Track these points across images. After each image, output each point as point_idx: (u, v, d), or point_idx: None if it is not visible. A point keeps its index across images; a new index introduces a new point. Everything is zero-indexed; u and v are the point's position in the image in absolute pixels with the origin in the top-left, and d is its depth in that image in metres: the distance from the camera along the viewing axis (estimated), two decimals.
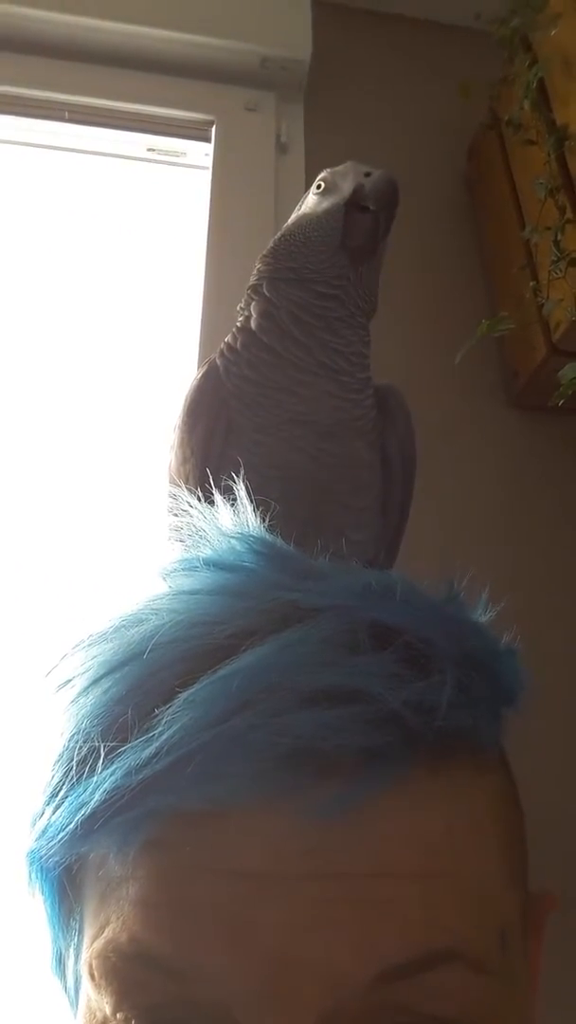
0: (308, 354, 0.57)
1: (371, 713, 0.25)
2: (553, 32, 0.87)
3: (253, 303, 0.60)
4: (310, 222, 0.61)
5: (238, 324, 0.61)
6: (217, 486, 0.37)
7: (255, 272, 0.62)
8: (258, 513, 0.34)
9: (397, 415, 0.62)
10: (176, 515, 0.35)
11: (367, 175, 0.59)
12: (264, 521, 0.34)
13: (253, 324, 0.59)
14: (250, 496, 0.35)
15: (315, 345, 0.57)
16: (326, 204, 0.60)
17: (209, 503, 0.35)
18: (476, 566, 0.82)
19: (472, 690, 0.28)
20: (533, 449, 0.97)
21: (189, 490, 0.36)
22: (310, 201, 0.63)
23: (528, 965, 0.30)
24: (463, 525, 0.88)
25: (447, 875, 0.26)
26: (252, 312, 0.60)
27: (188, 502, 0.35)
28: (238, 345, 0.60)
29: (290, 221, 0.64)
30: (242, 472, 0.55)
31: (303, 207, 0.64)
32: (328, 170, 0.63)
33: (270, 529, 0.34)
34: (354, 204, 0.59)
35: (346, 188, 0.60)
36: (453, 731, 0.26)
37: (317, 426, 0.56)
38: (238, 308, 0.62)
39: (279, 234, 0.63)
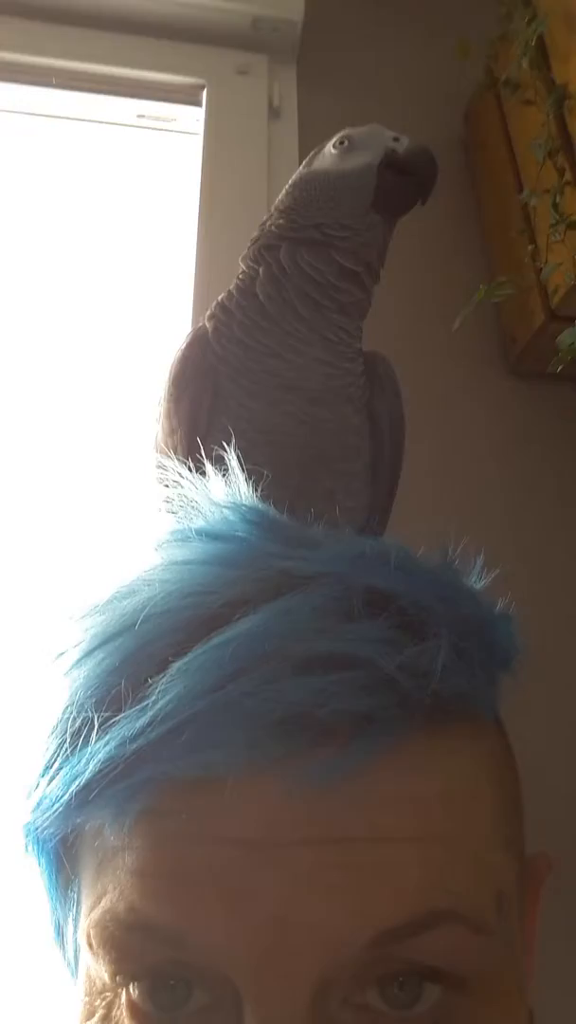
0: (310, 329, 0.57)
1: (366, 678, 0.25)
2: None
3: (262, 265, 0.58)
4: (338, 179, 0.59)
5: (239, 279, 0.60)
6: (207, 456, 0.37)
7: (271, 225, 0.60)
8: (249, 480, 0.34)
9: (385, 381, 0.62)
10: (166, 486, 0.35)
11: (396, 139, 0.59)
12: (255, 488, 0.34)
13: (257, 287, 0.58)
14: (240, 463, 0.35)
15: (319, 321, 0.57)
16: (354, 163, 0.59)
17: (200, 474, 0.35)
18: (472, 533, 0.82)
19: (467, 654, 0.28)
20: (530, 416, 0.96)
21: (179, 461, 0.35)
22: (330, 158, 0.61)
23: (524, 928, 0.31)
24: (459, 492, 0.88)
25: (443, 838, 0.26)
26: (259, 273, 0.58)
27: (178, 473, 0.35)
28: (233, 305, 0.59)
29: (306, 175, 0.61)
30: (232, 440, 0.55)
31: (320, 162, 0.61)
32: (350, 128, 0.61)
33: (261, 497, 0.33)
34: (390, 167, 0.58)
35: (377, 149, 0.58)
36: (449, 695, 0.27)
37: (307, 392, 0.56)
38: (241, 259, 0.61)
39: (297, 187, 0.60)
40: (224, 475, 0.35)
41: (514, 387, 0.97)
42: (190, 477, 0.35)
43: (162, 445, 0.60)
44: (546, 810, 0.58)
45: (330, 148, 0.61)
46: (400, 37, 1.17)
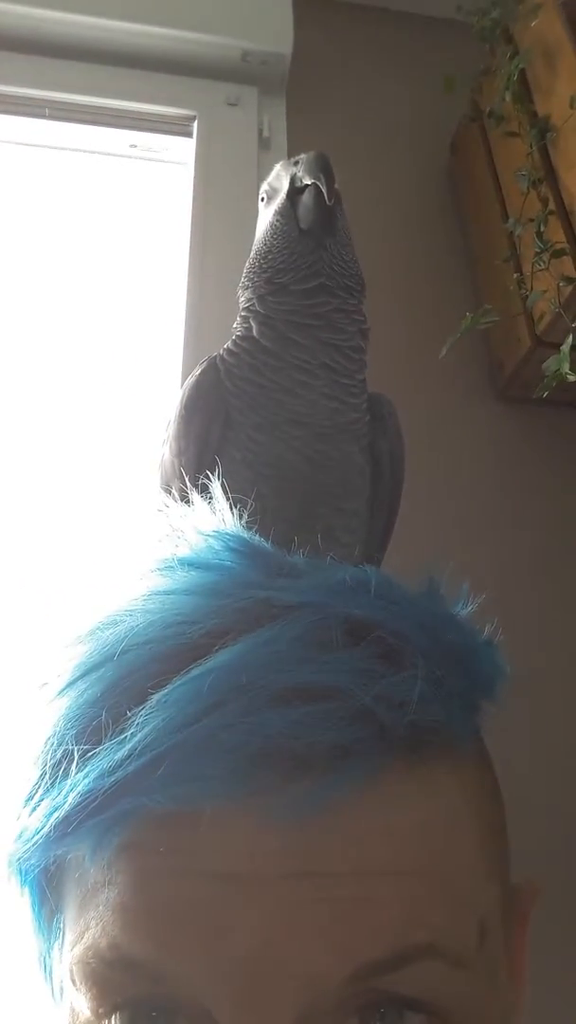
0: (312, 356, 0.58)
1: (343, 710, 0.25)
2: (533, 23, 0.87)
3: (251, 321, 0.61)
4: (265, 231, 0.62)
5: (237, 335, 0.62)
6: (211, 480, 0.37)
7: (242, 300, 0.63)
8: (247, 510, 0.34)
9: (389, 422, 0.63)
10: (160, 512, 0.35)
11: (295, 163, 0.61)
12: (255, 519, 0.34)
13: (255, 332, 0.60)
14: (240, 493, 0.35)
15: (316, 346, 0.58)
16: (273, 207, 0.62)
17: (204, 496, 0.35)
18: (462, 559, 0.82)
19: (446, 683, 0.28)
20: (519, 441, 0.97)
21: (184, 482, 0.36)
22: (261, 216, 0.65)
23: (511, 956, 0.31)
24: (449, 517, 0.88)
25: (422, 872, 0.26)
26: (252, 323, 0.60)
27: (166, 501, 0.35)
28: (238, 350, 0.60)
29: (254, 243, 0.65)
30: (236, 468, 0.55)
31: (259, 224, 0.65)
32: (265, 182, 0.65)
33: (252, 526, 0.34)
34: (295, 191, 0.60)
35: (285, 181, 0.61)
36: (426, 725, 0.27)
37: (315, 427, 0.57)
38: (233, 327, 0.63)
39: (248, 258, 0.64)
40: (212, 503, 0.35)
41: (502, 412, 0.98)
42: (177, 505, 0.35)
43: (168, 466, 0.60)
44: (533, 836, 0.58)
45: (261, 208, 0.65)
46: (387, 70, 1.19)
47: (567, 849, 0.76)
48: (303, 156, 0.60)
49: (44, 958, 0.31)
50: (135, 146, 1.10)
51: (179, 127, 1.08)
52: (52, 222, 1.04)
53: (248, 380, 0.58)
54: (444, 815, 0.27)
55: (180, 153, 1.09)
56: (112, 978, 0.25)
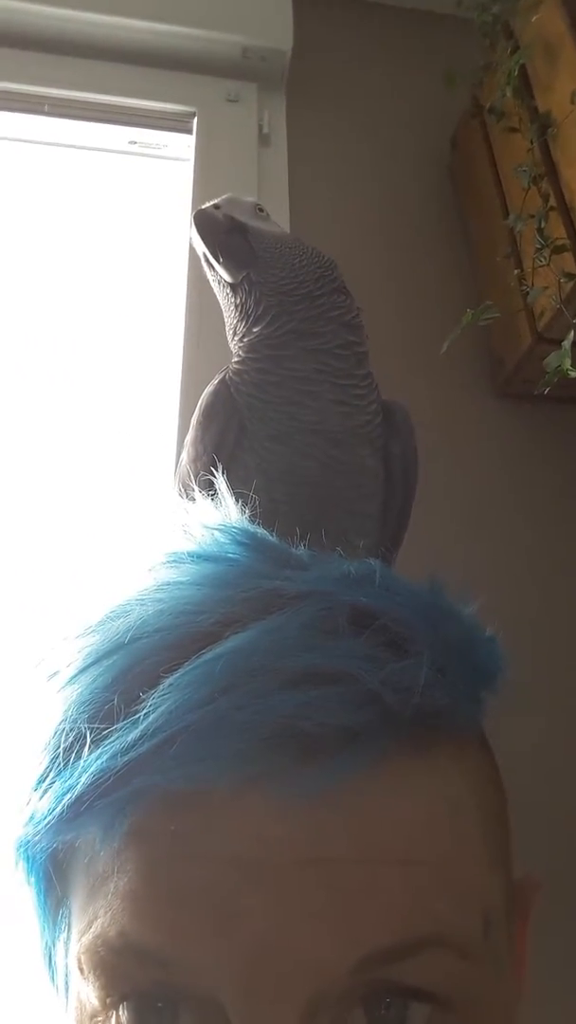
0: (302, 364, 0.59)
1: (351, 693, 0.26)
2: (534, 18, 0.87)
3: (241, 349, 0.63)
4: (218, 290, 0.66)
5: (238, 355, 0.63)
6: (215, 477, 0.38)
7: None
8: (260, 512, 0.35)
9: (402, 427, 0.64)
10: (173, 512, 0.36)
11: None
12: (269, 524, 0.34)
13: (248, 357, 0.62)
14: (257, 499, 0.36)
15: (302, 355, 0.59)
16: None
17: (213, 497, 0.36)
18: (463, 554, 0.83)
19: (449, 671, 0.28)
20: (520, 436, 0.97)
21: (200, 486, 0.36)
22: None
23: (513, 948, 0.31)
24: (450, 512, 0.89)
25: (429, 861, 0.26)
26: (243, 354, 0.63)
27: (174, 498, 0.35)
28: (243, 368, 0.62)
29: None
30: (250, 475, 0.56)
31: None
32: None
33: (258, 522, 0.34)
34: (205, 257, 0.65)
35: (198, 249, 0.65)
36: (431, 710, 0.27)
37: (328, 434, 0.58)
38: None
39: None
40: (221, 499, 0.36)
41: (503, 408, 0.98)
42: (185, 502, 0.35)
43: (185, 471, 0.62)
44: (533, 831, 0.58)
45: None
46: (387, 66, 1.19)
47: (567, 844, 0.76)
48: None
49: (48, 948, 0.31)
50: (135, 142, 1.10)
51: (179, 123, 1.09)
52: (52, 218, 1.04)
53: (254, 396, 0.60)
54: (449, 803, 0.28)
55: (180, 149, 1.09)
56: (121, 967, 0.26)
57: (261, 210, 0.65)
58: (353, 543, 0.58)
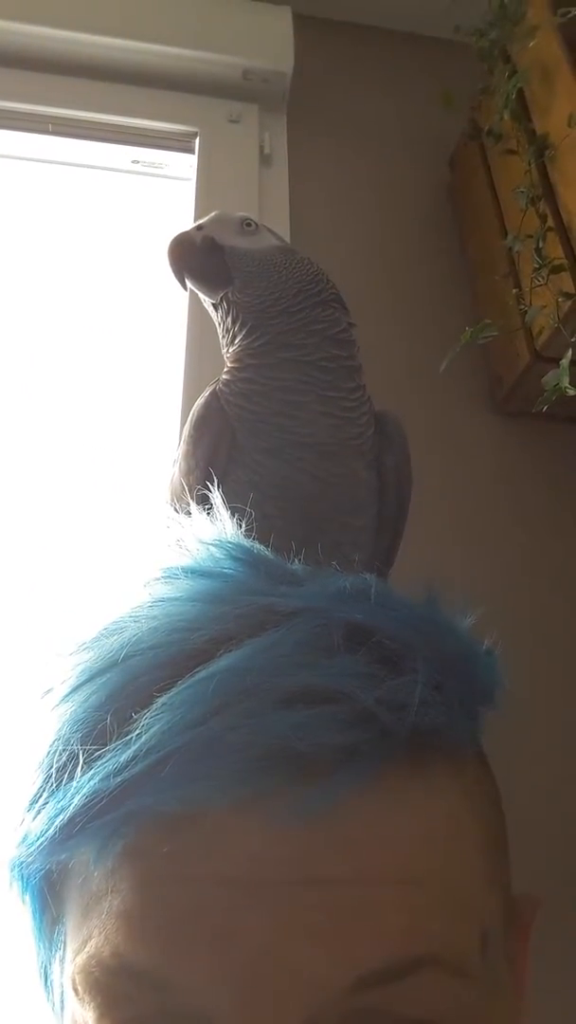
0: (288, 374, 0.59)
1: (346, 712, 0.25)
2: (531, 44, 0.88)
3: (230, 361, 0.64)
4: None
5: (227, 368, 0.64)
6: (211, 491, 0.38)
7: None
8: (254, 527, 0.35)
9: (394, 438, 0.64)
10: (166, 526, 0.35)
11: None
12: (262, 538, 0.34)
13: (236, 369, 0.62)
14: (248, 512, 0.36)
15: (287, 366, 0.59)
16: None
17: (208, 510, 0.36)
18: (461, 570, 0.83)
19: (446, 688, 0.28)
20: (518, 454, 0.97)
21: (193, 500, 0.36)
22: None
23: (513, 967, 0.30)
24: (448, 529, 0.89)
25: (425, 879, 0.26)
26: (231, 365, 0.64)
27: (169, 513, 0.35)
28: (232, 379, 0.62)
29: None
30: (243, 489, 0.56)
31: None
32: None
33: (253, 537, 0.34)
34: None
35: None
36: (427, 728, 0.27)
37: (319, 447, 0.58)
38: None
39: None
40: (214, 514, 0.35)
41: (501, 426, 0.99)
42: (181, 516, 0.35)
43: (178, 484, 0.62)
44: (533, 848, 0.58)
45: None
46: (387, 88, 1.21)
47: (566, 860, 0.76)
48: None
49: (45, 968, 0.31)
50: (137, 161, 1.11)
51: (181, 143, 1.10)
52: (56, 236, 1.05)
53: (243, 408, 0.60)
54: (446, 821, 0.27)
55: (182, 169, 1.10)
56: (115, 987, 0.25)
57: (248, 224, 0.65)
58: (348, 556, 0.58)
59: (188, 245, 0.64)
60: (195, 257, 0.64)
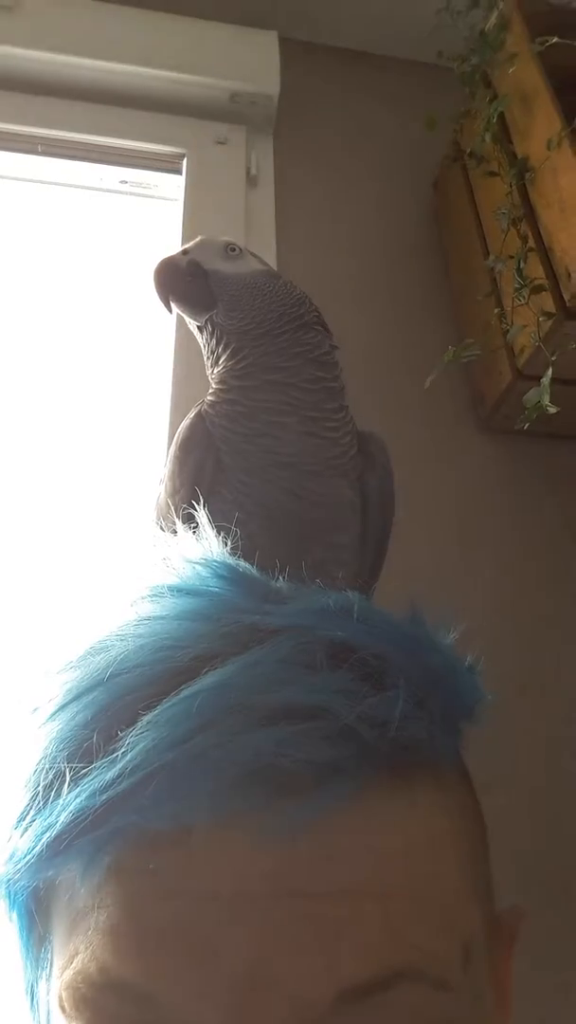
0: (270, 396, 0.60)
1: (328, 729, 0.26)
2: (511, 70, 0.90)
3: (214, 382, 0.65)
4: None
5: (212, 389, 0.65)
6: (196, 510, 0.38)
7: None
8: (239, 546, 0.35)
9: (377, 458, 0.65)
10: (152, 546, 0.36)
11: None
12: (251, 557, 0.35)
13: (221, 389, 0.64)
14: (234, 531, 0.36)
15: (270, 387, 0.61)
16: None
17: (194, 531, 0.36)
18: (444, 587, 0.83)
19: (427, 704, 0.28)
20: (501, 471, 0.98)
21: (178, 520, 0.37)
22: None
23: (496, 980, 0.31)
24: (431, 546, 0.89)
25: (406, 892, 0.26)
26: (216, 386, 0.65)
27: (154, 532, 0.36)
28: (217, 401, 0.63)
29: None
30: (228, 508, 0.57)
31: None
32: None
33: (235, 555, 0.34)
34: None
35: None
36: (408, 743, 0.27)
37: (301, 467, 0.59)
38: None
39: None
40: (200, 533, 0.36)
41: (484, 443, 1.00)
42: (166, 535, 0.36)
43: (164, 504, 0.63)
44: (515, 861, 0.58)
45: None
46: (371, 111, 1.23)
47: (548, 873, 0.76)
48: None
49: (31, 987, 0.31)
50: (126, 182, 1.12)
51: (169, 164, 1.11)
52: (44, 256, 1.05)
53: (228, 429, 0.61)
54: (427, 835, 0.28)
55: (170, 189, 1.12)
56: (102, 1003, 0.25)
57: (232, 249, 0.67)
58: (331, 574, 0.59)
59: (173, 269, 0.65)
60: (180, 281, 0.65)
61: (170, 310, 0.66)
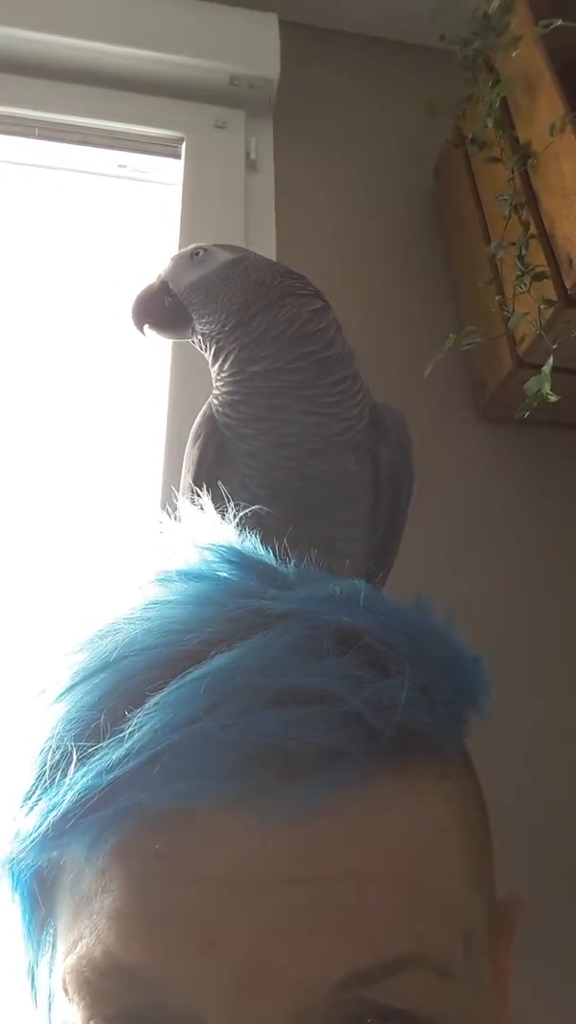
0: (266, 381, 0.60)
1: (334, 712, 0.26)
2: (514, 54, 0.89)
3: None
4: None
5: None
6: (200, 496, 0.39)
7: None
8: (248, 527, 0.35)
9: (390, 431, 0.64)
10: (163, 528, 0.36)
11: None
12: (257, 536, 0.35)
13: (217, 380, 0.65)
14: (237, 513, 0.36)
15: (262, 371, 0.61)
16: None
17: (198, 511, 0.36)
18: (445, 575, 0.83)
19: (432, 691, 0.28)
20: (500, 459, 0.98)
21: (185, 499, 0.37)
22: None
23: (496, 969, 0.31)
24: (432, 533, 0.89)
25: (409, 879, 0.26)
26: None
27: (162, 518, 0.36)
28: (218, 392, 0.64)
29: None
30: (235, 491, 0.57)
31: None
32: None
33: (244, 539, 0.34)
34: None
35: None
36: (412, 729, 0.27)
37: (303, 445, 0.59)
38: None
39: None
40: (212, 517, 0.36)
41: (484, 431, 1.00)
42: (175, 520, 0.36)
43: (186, 486, 0.65)
44: (518, 850, 0.58)
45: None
46: (372, 95, 1.22)
47: (551, 863, 0.77)
48: None
49: (32, 968, 0.31)
50: (124, 166, 1.11)
51: (168, 148, 1.10)
52: (42, 239, 1.05)
53: (228, 416, 0.62)
54: (430, 822, 0.28)
55: (168, 174, 1.11)
56: (106, 987, 0.26)
57: (197, 253, 0.66)
58: (341, 551, 0.59)
59: (146, 297, 0.67)
60: (153, 306, 0.67)
61: (143, 334, 0.68)
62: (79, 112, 1.07)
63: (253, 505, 0.39)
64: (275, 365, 0.60)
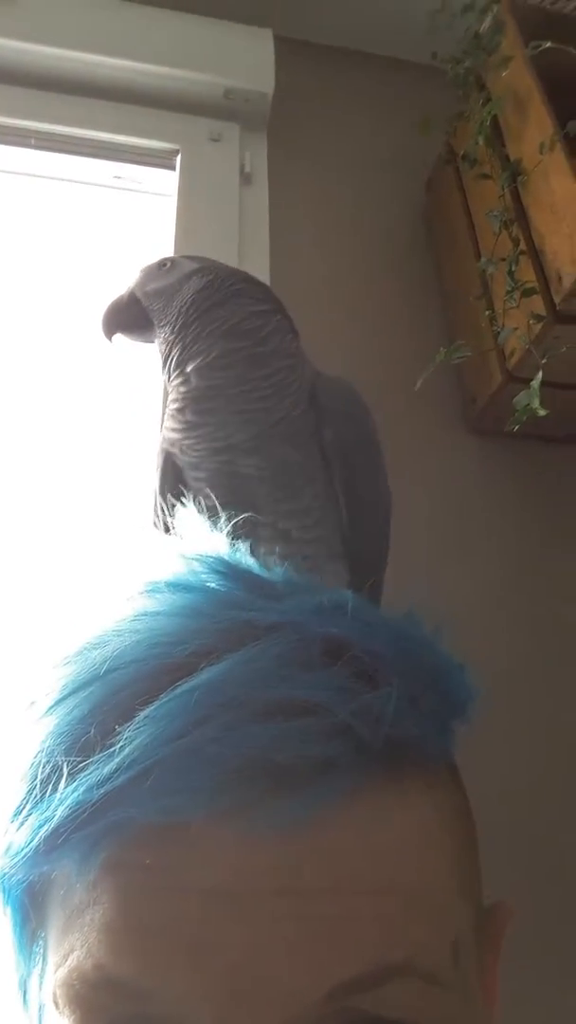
0: (194, 383, 0.62)
1: (323, 725, 0.26)
2: (504, 73, 0.90)
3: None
4: None
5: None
6: (169, 515, 0.39)
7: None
8: (219, 532, 0.35)
9: (328, 409, 0.64)
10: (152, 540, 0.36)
11: None
12: (244, 545, 0.35)
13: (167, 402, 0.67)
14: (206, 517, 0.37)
15: (190, 377, 0.63)
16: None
17: (164, 530, 0.37)
18: (433, 587, 0.84)
19: (420, 701, 0.29)
20: (490, 473, 0.99)
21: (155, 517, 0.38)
22: None
23: (484, 978, 0.31)
24: (421, 546, 0.90)
25: (399, 889, 0.26)
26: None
27: (154, 530, 0.36)
28: (167, 408, 0.66)
29: None
30: (194, 504, 0.58)
31: None
32: None
33: (232, 549, 0.35)
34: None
35: None
36: (401, 740, 0.27)
37: (239, 447, 0.61)
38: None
39: None
40: (194, 529, 0.36)
41: (474, 445, 1.00)
42: (163, 532, 0.36)
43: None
44: (503, 858, 0.58)
45: None
46: (365, 111, 1.23)
47: (536, 870, 0.77)
48: None
49: (23, 981, 0.31)
50: (119, 177, 1.12)
51: (162, 160, 1.11)
52: (36, 250, 1.05)
53: (172, 429, 0.64)
54: (419, 832, 0.28)
55: (163, 185, 1.11)
56: (97, 1000, 0.25)
57: (164, 264, 0.70)
58: (300, 538, 0.61)
59: (114, 307, 0.70)
60: (121, 315, 0.70)
61: (111, 342, 0.71)
62: (75, 123, 1.08)
63: (210, 515, 0.40)
64: (206, 361, 0.62)
